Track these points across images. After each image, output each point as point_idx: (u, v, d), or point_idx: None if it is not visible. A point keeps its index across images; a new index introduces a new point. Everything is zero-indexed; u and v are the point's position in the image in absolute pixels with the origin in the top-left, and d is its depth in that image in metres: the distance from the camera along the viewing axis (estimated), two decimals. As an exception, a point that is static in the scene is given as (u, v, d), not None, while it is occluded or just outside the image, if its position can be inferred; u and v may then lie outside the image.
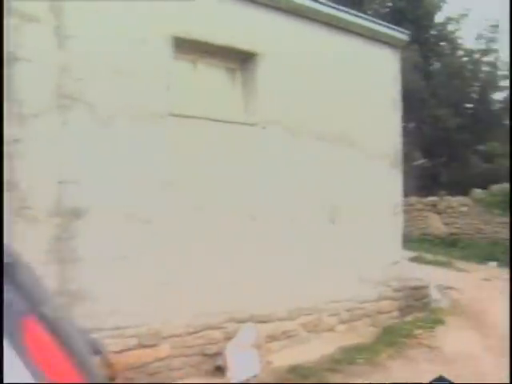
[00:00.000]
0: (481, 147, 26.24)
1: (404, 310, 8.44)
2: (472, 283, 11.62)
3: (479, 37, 25.60)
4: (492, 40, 25.35)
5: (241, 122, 6.60)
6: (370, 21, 7.96)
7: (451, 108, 23.09)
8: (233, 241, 6.37)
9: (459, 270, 13.32)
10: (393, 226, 8.35)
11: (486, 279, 12.15)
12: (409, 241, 17.22)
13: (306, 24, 7.25)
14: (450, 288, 10.88)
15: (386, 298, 8.14)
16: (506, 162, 24.22)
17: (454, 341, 7.46)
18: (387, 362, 6.62)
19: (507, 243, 14.98)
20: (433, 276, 11.32)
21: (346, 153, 7.60)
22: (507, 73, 25.39)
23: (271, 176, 6.72)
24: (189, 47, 6.33)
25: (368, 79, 7.99)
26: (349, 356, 6.68)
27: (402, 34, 8.48)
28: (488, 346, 7.31)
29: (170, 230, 5.84)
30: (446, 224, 17.68)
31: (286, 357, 6.59)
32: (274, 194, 6.74)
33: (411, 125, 25.85)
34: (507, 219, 15.40)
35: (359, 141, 7.77)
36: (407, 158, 23.00)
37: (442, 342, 7.38)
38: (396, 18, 23.18)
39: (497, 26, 25.28)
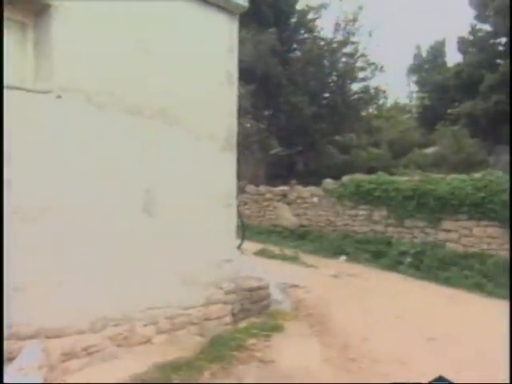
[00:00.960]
0: (338, 138, 27.03)
1: (238, 315, 7.48)
2: (320, 280, 10.99)
3: (337, 27, 25.71)
4: (350, 32, 25.53)
5: (29, 89, 5.24)
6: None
7: (308, 96, 22.87)
8: (15, 237, 5.04)
9: (307, 265, 12.69)
10: (225, 219, 7.31)
11: (334, 275, 11.58)
12: (257, 232, 17.08)
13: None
14: (296, 286, 10.16)
15: (216, 302, 7.12)
16: (362, 154, 24.83)
17: (292, 352, 6.56)
18: (210, 381, 5.63)
19: (357, 236, 14.86)
20: (277, 272, 10.64)
21: (167, 131, 6.40)
22: (364, 64, 25.91)
23: (68, 157, 5.43)
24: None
25: (197, 48, 6.82)
26: (164, 375, 5.59)
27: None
28: (328, 357, 6.50)
29: None
30: (297, 215, 17.18)
31: (87, 378, 5.38)
32: (71, 180, 5.46)
33: (268, 111, 25.77)
34: (357, 211, 15.16)
35: (183, 118, 6.60)
36: (263, 145, 22.78)
37: (277, 355, 6.45)
38: (255, 0, 22.71)
39: (355, 19, 25.54)
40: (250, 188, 19.06)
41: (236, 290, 7.46)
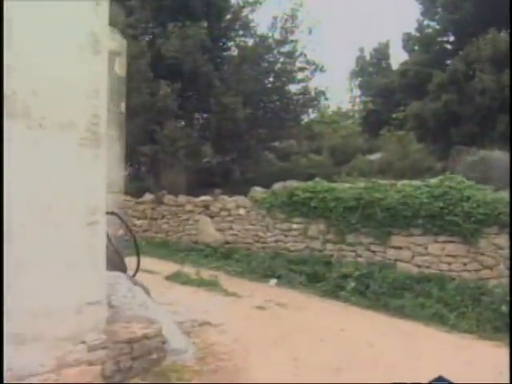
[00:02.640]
0: (276, 144, 25.93)
1: (113, 378, 5.36)
2: (241, 314, 8.99)
3: (274, 24, 24.23)
4: (289, 30, 24.03)
5: None
6: None
7: (242, 97, 21.12)
8: None
9: (228, 292, 10.62)
10: (87, 244, 5.16)
11: (260, 307, 9.57)
12: (175, 250, 15.36)
13: None
14: (208, 324, 8.10)
15: (74, 364, 4.96)
16: (303, 161, 24.37)
17: None
18: None
19: (290, 255, 13.22)
20: (188, 305, 8.70)
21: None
22: (304, 64, 24.51)
23: None
24: None
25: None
26: None
27: None
28: None
29: None
30: (221, 230, 15.21)
31: None
32: None
33: (199, 114, 24.50)
34: (291, 225, 13.43)
35: (16, 96, 4.48)
36: (193, 151, 20.89)
37: None
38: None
39: (295, 17, 24.08)
40: (169, 199, 16.95)
41: (108, 343, 5.33)
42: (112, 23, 16.81)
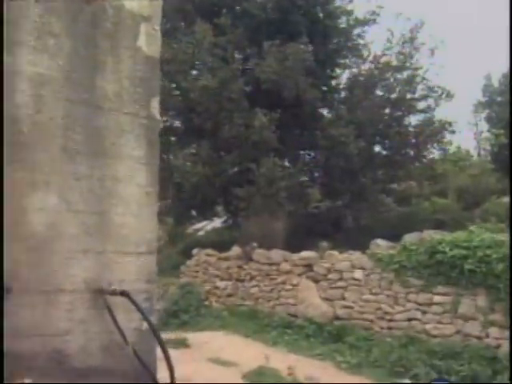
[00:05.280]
0: (394, 185, 23.12)
1: None
2: None
3: (389, 47, 21.24)
4: (408, 55, 21.15)
5: None
6: None
7: (355, 129, 18.14)
8: None
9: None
10: None
11: None
12: (266, 325, 12.99)
13: None
14: None
15: None
16: (425, 205, 21.71)
17: None
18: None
19: (431, 342, 10.07)
20: None
21: None
22: (427, 92, 21.47)
23: None
24: None
25: None
26: None
27: None
28: None
29: None
30: (328, 300, 12.24)
31: None
32: None
33: (304, 151, 21.51)
34: (431, 296, 10.39)
35: None
36: (300, 194, 18.23)
37: None
38: (283, 5, 18.62)
39: (414, 38, 21.10)
40: (259, 254, 14.16)
41: None
42: (197, 41, 14.13)
